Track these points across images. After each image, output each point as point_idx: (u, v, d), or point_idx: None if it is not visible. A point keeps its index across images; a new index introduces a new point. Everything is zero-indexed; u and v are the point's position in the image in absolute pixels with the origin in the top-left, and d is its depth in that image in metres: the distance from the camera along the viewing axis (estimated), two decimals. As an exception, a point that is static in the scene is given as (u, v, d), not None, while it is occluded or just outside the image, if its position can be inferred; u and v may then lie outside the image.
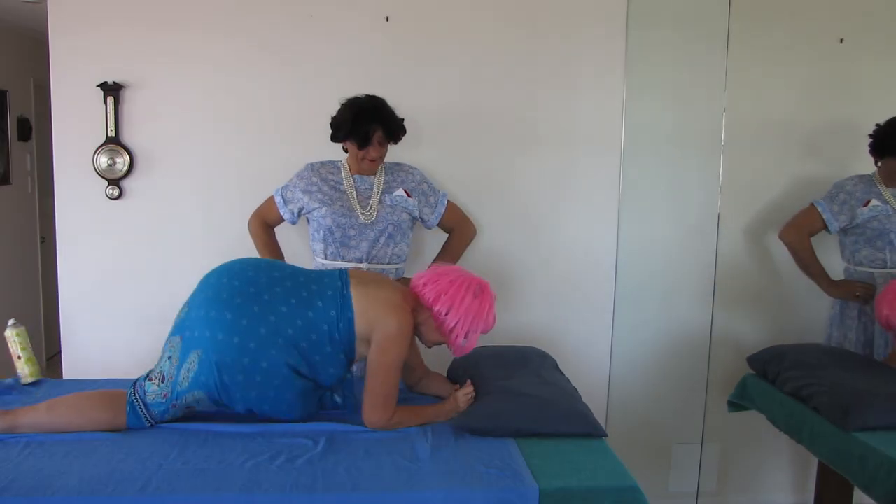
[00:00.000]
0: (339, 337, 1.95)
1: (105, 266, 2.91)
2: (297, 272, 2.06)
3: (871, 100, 3.09)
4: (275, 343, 1.90)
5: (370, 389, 1.96)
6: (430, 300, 2.00)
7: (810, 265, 2.89)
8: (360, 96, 2.50)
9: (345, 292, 1.98)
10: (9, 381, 2.33)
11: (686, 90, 3.07)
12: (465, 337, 2.01)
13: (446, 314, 1.99)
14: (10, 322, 2.38)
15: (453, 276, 2.04)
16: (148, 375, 2.00)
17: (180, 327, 1.99)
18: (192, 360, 1.92)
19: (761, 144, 3.11)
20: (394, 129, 2.49)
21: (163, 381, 1.96)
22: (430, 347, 2.16)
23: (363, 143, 2.46)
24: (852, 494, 2.76)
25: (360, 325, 1.96)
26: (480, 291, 2.02)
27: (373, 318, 1.96)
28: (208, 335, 1.90)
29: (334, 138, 2.54)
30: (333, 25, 2.88)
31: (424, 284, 2.04)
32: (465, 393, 2.10)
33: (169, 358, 1.98)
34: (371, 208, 2.52)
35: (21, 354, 2.34)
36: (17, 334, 2.36)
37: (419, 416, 2.04)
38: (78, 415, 1.94)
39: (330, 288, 2.00)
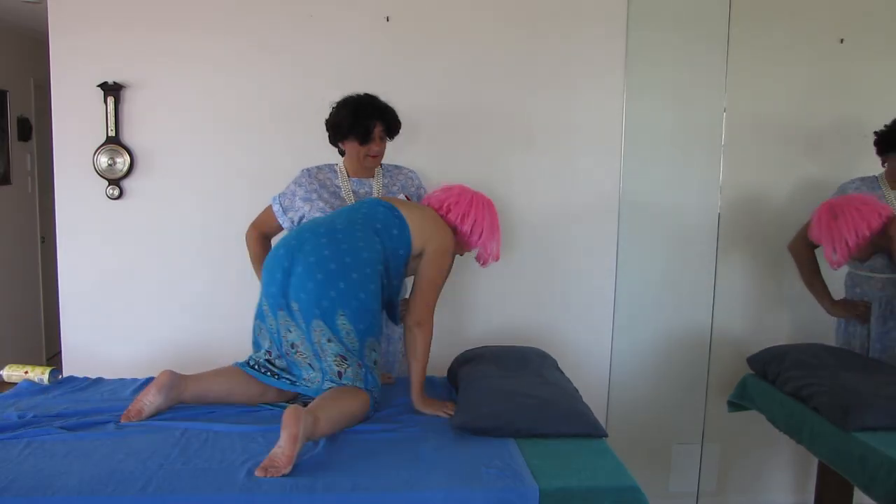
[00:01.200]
0: (403, 252, 2.16)
1: (105, 266, 2.91)
2: (342, 217, 2.19)
3: (871, 100, 3.09)
4: (367, 261, 2.06)
5: (421, 295, 2.17)
6: (457, 221, 2.27)
7: (813, 282, 2.86)
8: (353, 95, 2.48)
9: (395, 212, 2.19)
10: (38, 381, 2.37)
11: (686, 90, 3.07)
12: (491, 249, 2.31)
13: (470, 233, 2.27)
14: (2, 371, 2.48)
15: (468, 197, 2.30)
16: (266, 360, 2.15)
17: (278, 302, 2.07)
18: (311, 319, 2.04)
19: (761, 144, 3.11)
20: (392, 123, 2.49)
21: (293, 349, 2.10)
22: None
23: (365, 138, 2.44)
24: (852, 494, 2.76)
25: (415, 242, 2.17)
26: (489, 205, 2.32)
27: (428, 234, 2.19)
28: (311, 285, 2.02)
29: (334, 139, 2.51)
30: (333, 25, 2.88)
31: (448, 207, 2.27)
32: (440, 408, 2.11)
33: (289, 330, 2.08)
34: None
35: (26, 370, 2.41)
36: (9, 367, 2.46)
37: (423, 368, 2.17)
38: (233, 383, 2.12)
39: (381, 214, 2.18)
